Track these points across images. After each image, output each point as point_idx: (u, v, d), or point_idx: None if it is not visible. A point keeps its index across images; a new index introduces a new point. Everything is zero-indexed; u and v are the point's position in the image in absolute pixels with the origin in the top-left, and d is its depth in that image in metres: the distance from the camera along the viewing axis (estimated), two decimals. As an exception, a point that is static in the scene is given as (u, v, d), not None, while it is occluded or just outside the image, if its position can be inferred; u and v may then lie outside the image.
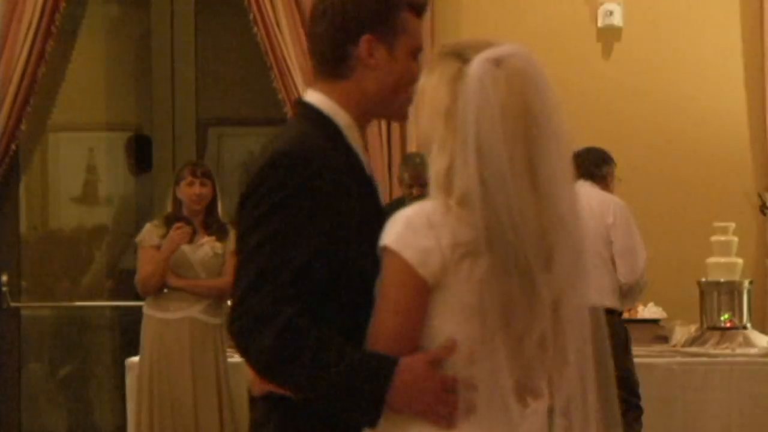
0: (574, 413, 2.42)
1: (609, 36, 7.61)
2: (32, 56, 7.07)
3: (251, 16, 7.22)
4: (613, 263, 6.08)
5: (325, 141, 2.51)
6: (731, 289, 6.71)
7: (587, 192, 6.06)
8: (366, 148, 2.69)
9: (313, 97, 2.61)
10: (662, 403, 6.36)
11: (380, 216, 2.47)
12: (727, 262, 6.81)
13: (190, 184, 6.38)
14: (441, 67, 2.43)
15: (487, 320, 2.33)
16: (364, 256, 2.42)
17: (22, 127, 7.15)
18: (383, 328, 2.38)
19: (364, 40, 2.55)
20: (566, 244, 2.39)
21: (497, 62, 2.37)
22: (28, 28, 7.06)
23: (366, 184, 2.59)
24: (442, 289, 2.35)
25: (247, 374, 2.53)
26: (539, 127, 2.36)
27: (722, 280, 6.77)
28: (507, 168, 2.32)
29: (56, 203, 7.98)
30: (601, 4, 7.54)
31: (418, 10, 2.62)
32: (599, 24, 7.57)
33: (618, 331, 6.08)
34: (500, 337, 2.34)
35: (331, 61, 2.58)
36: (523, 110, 2.35)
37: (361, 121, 2.64)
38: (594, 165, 6.27)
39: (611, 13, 7.52)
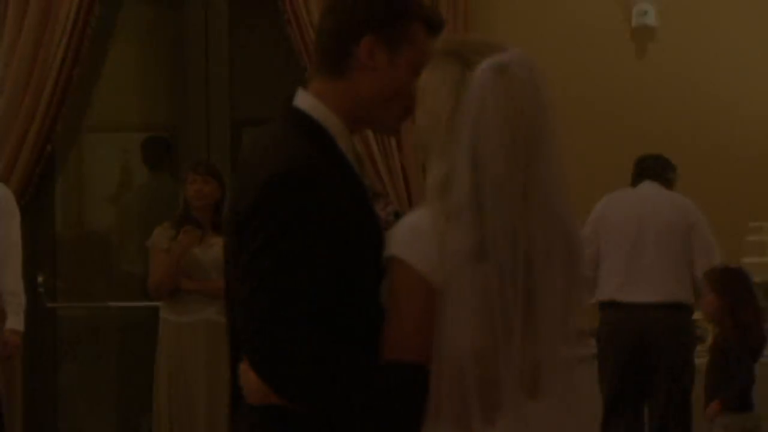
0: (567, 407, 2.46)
1: (643, 36, 7.58)
2: (67, 58, 7.10)
3: (285, 17, 7.23)
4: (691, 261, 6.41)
5: (319, 155, 2.48)
6: (766, 289, 6.68)
7: (664, 192, 6.55)
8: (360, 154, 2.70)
9: (305, 101, 2.59)
10: (698, 403, 6.33)
11: (376, 224, 2.48)
12: (761, 262, 6.80)
13: (192, 181, 6.40)
14: (443, 68, 2.43)
15: (488, 325, 2.34)
16: (368, 268, 2.42)
17: (58, 128, 7.18)
18: (399, 337, 2.38)
19: (366, 41, 2.54)
20: (558, 252, 2.39)
21: (500, 71, 2.37)
22: (63, 30, 7.10)
23: (360, 195, 2.57)
24: (448, 294, 2.35)
25: (248, 383, 2.51)
26: (539, 135, 2.37)
27: (757, 280, 6.73)
28: (503, 179, 2.33)
29: (91, 204, 8.01)
30: (635, 3, 7.52)
31: (433, 28, 2.60)
32: (633, 24, 7.55)
33: (692, 327, 6.46)
34: (501, 340, 2.34)
35: (332, 57, 2.57)
36: (521, 121, 2.35)
37: (353, 126, 2.61)
38: (670, 170, 6.61)
39: (645, 12, 7.50)
